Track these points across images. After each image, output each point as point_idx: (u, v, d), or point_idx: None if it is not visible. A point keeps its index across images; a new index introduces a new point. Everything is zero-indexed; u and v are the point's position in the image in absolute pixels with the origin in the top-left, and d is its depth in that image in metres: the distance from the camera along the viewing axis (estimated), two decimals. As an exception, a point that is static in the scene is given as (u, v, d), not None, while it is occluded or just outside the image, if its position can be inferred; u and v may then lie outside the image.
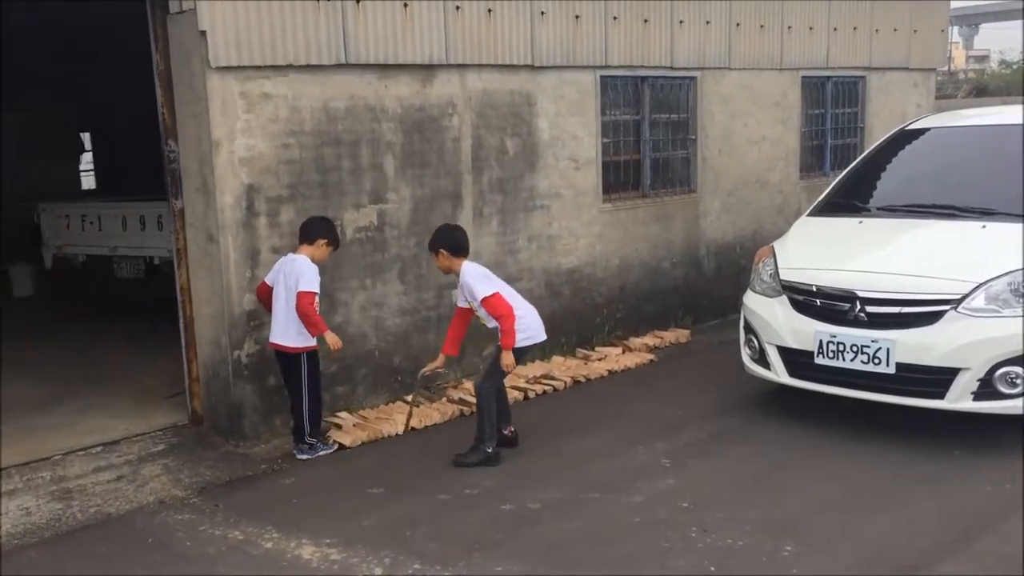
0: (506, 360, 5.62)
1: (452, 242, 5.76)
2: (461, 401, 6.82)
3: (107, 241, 9.60)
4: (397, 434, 6.30)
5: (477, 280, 5.62)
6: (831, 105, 10.64)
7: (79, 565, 4.52)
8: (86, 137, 17.93)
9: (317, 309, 5.75)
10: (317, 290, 5.73)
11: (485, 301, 5.58)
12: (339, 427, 6.31)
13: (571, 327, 8.22)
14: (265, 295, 5.87)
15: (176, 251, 6.42)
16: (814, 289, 5.97)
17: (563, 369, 7.67)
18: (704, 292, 9.46)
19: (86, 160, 18.45)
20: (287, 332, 5.75)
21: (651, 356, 8.13)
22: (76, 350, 8.81)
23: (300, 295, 5.65)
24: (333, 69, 6.39)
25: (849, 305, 5.75)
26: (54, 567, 4.51)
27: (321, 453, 5.93)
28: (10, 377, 7.84)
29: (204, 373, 6.40)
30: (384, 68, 6.66)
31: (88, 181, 18.43)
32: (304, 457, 5.88)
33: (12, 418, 6.74)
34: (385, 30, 6.59)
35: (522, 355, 5.85)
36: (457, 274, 5.74)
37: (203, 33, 5.74)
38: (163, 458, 5.96)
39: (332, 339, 5.78)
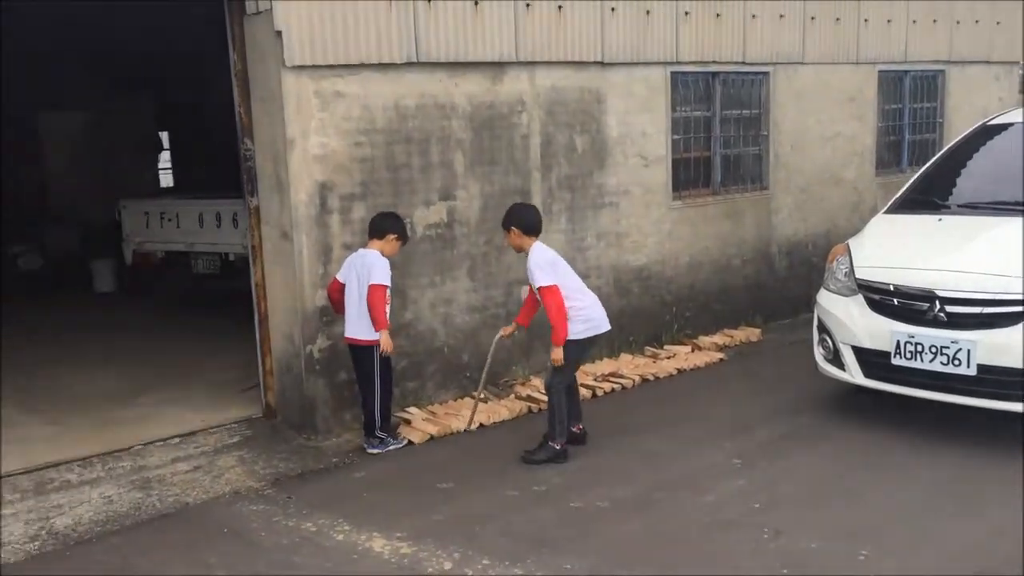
0: (554, 355, 5.63)
1: (524, 220, 5.77)
2: (529, 398, 6.83)
3: (184, 237, 9.84)
4: (466, 430, 6.33)
5: (539, 266, 5.62)
6: (909, 100, 10.38)
7: (159, 553, 4.64)
8: (163, 136, 18.39)
9: (388, 302, 5.81)
10: (388, 283, 5.81)
11: (540, 290, 5.60)
12: (408, 422, 6.37)
13: (640, 325, 8.17)
14: (336, 293, 5.96)
15: (251, 248, 6.55)
16: (891, 288, 5.83)
17: (631, 367, 7.62)
18: (775, 291, 9.31)
19: (164, 158, 18.92)
20: (359, 326, 5.84)
21: (721, 355, 8.03)
22: (155, 344, 9.05)
23: (371, 288, 5.74)
24: (404, 68, 6.45)
25: (928, 305, 5.60)
26: (136, 554, 4.64)
27: (391, 448, 5.99)
28: (93, 370, 8.11)
29: (277, 367, 6.52)
30: (454, 66, 6.70)
31: (163, 179, 18.87)
32: (374, 451, 5.95)
33: (95, 409, 6.95)
34: (456, 28, 6.63)
35: (585, 348, 5.80)
36: (526, 253, 5.74)
37: (279, 33, 5.84)
38: (238, 450, 6.09)
39: (385, 340, 5.83)
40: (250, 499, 5.30)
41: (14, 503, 5.30)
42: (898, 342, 5.67)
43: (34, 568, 4.55)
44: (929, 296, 5.61)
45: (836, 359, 6.17)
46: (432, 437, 6.18)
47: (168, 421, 6.60)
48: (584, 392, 6.88)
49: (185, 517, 5.10)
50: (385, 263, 5.84)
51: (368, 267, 5.79)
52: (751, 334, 8.65)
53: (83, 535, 4.89)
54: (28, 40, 12.46)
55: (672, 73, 8.15)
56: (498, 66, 6.95)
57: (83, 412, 6.88)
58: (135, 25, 11.96)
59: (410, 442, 6.09)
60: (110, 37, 12.76)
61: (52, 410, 6.96)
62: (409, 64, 6.45)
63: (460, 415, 6.48)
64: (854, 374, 6.04)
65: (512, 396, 6.93)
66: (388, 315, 5.91)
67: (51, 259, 12.37)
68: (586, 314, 5.69)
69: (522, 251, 5.80)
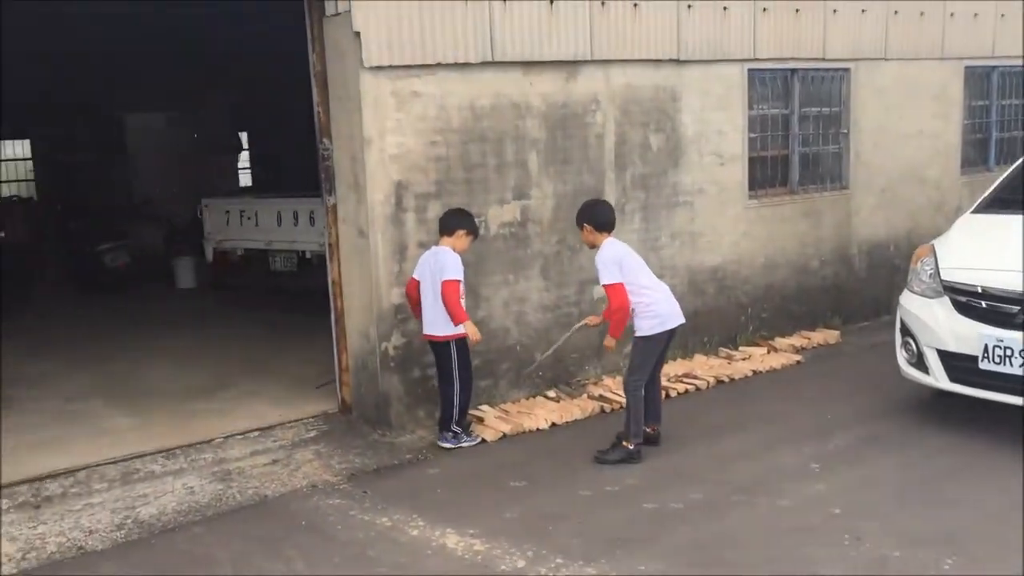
0: (607, 342, 5.70)
1: (595, 217, 5.77)
2: (601, 398, 6.80)
3: (263, 235, 10.05)
4: (539, 428, 6.33)
5: (604, 264, 5.60)
6: (997, 96, 10.05)
7: (239, 544, 4.74)
8: (242, 136, 18.81)
9: (462, 297, 5.85)
10: (461, 278, 5.85)
11: (604, 287, 5.60)
12: (481, 420, 6.40)
13: (714, 326, 8.07)
14: (414, 291, 6.02)
15: (328, 246, 6.65)
16: (979, 290, 5.66)
17: (706, 368, 7.53)
18: (854, 292, 9.11)
19: (243, 158, 19.34)
20: (435, 322, 5.89)
21: (798, 357, 7.89)
22: (234, 340, 9.25)
23: (444, 284, 5.79)
24: (479, 67, 6.47)
25: (1018, 308, 5.42)
26: (217, 544, 4.75)
27: (464, 444, 6.02)
28: (175, 364, 8.32)
29: (353, 364, 6.61)
30: (529, 65, 6.71)
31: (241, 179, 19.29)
32: (448, 446, 6.00)
33: (177, 402, 7.14)
34: (531, 27, 6.63)
35: (658, 344, 5.72)
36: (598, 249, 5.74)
37: (357, 34, 5.92)
38: (314, 444, 6.19)
39: (471, 329, 5.88)
40: (326, 493, 5.38)
41: (101, 492, 5.48)
42: (986, 346, 5.50)
43: (120, 556, 4.69)
44: (1019, 299, 5.42)
45: (920, 363, 6.01)
46: (505, 435, 6.20)
47: (247, 415, 6.74)
48: (658, 393, 6.85)
49: (264, 509, 5.20)
50: (456, 259, 5.88)
51: (440, 264, 5.84)
52: (829, 336, 8.48)
53: (167, 524, 5.03)
54: (114, 42, 12.87)
55: (749, 70, 8.03)
56: (572, 65, 6.93)
57: (166, 405, 7.08)
58: (217, 27, 12.25)
59: (483, 440, 6.12)
60: (193, 39, 13.08)
61: (137, 402, 7.17)
62: (484, 63, 6.48)
63: (533, 414, 6.48)
64: (938, 378, 5.88)
65: (584, 396, 6.91)
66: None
67: (136, 256, 12.73)
68: (655, 310, 5.64)
69: (595, 247, 5.78)
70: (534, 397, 6.90)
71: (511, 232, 6.78)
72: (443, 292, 5.80)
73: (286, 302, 10.14)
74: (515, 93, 6.68)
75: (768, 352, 8.01)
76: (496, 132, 6.61)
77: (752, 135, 8.18)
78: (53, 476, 5.67)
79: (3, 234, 10.83)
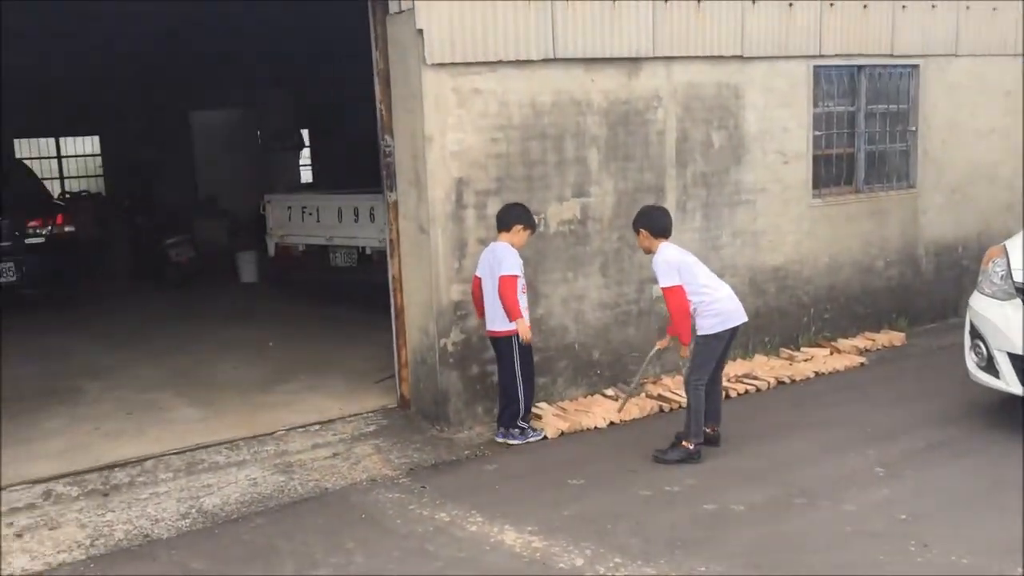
0: (682, 352, 5.67)
1: (653, 223, 5.73)
2: (660, 397, 6.75)
3: (324, 231, 10.16)
4: (597, 427, 6.31)
5: (662, 267, 5.56)
6: (1072, 93, 9.73)
7: (300, 535, 4.80)
8: (304, 133, 19.05)
9: (523, 292, 5.86)
10: (518, 273, 5.85)
11: (663, 291, 5.57)
12: (539, 417, 6.39)
13: (775, 326, 7.96)
14: (477, 289, 6.05)
15: (389, 242, 6.70)
16: (1053, 292, 5.50)
17: (766, 369, 7.44)
18: (921, 293, 8.91)
19: (305, 155, 19.59)
20: (496, 318, 5.91)
21: (861, 359, 7.74)
22: (296, 334, 9.37)
23: (501, 279, 5.81)
24: (541, 64, 6.47)
25: (1094, 311, 5.25)
26: (278, 535, 4.82)
27: (531, 439, 6.03)
28: (239, 357, 8.45)
29: (412, 359, 6.65)
30: (590, 62, 6.68)
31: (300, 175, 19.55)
32: (514, 441, 6.01)
33: (241, 394, 7.27)
34: (593, 24, 6.60)
35: (720, 343, 5.64)
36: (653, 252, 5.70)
37: (420, 31, 5.96)
38: (374, 438, 6.25)
39: (523, 328, 5.87)
40: (386, 487, 5.42)
41: (167, 481, 5.59)
42: (1060, 350, 5.34)
43: (185, 544, 4.78)
44: (1096, 302, 5.26)
45: (990, 366, 5.86)
46: (563, 433, 6.19)
47: (308, 408, 6.83)
48: (717, 393, 6.79)
49: (324, 502, 5.26)
50: (514, 254, 5.88)
51: (498, 259, 5.86)
52: (894, 338, 8.30)
53: (230, 515, 5.12)
54: (180, 41, 13.14)
55: (815, 67, 7.90)
56: (634, 61, 6.89)
57: (230, 397, 7.20)
58: (280, 25, 12.44)
59: (546, 436, 6.12)
60: (257, 37, 13.29)
61: (202, 394, 7.30)
62: (546, 60, 6.47)
63: (591, 412, 6.46)
64: (1009, 382, 5.72)
65: (643, 395, 6.86)
66: (525, 308, 5.96)
67: (200, 251, 12.98)
68: (717, 308, 5.58)
69: (650, 253, 5.75)
70: (592, 395, 6.88)
71: (570, 229, 6.77)
72: (500, 288, 5.82)
73: (346, 297, 10.24)
74: (576, 90, 6.66)
75: (831, 353, 7.88)
76: (557, 129, 6.60)
77: (817, 133, 8.05)
78: (121, 465, 5.81)
79: (74, 228, 11.09)
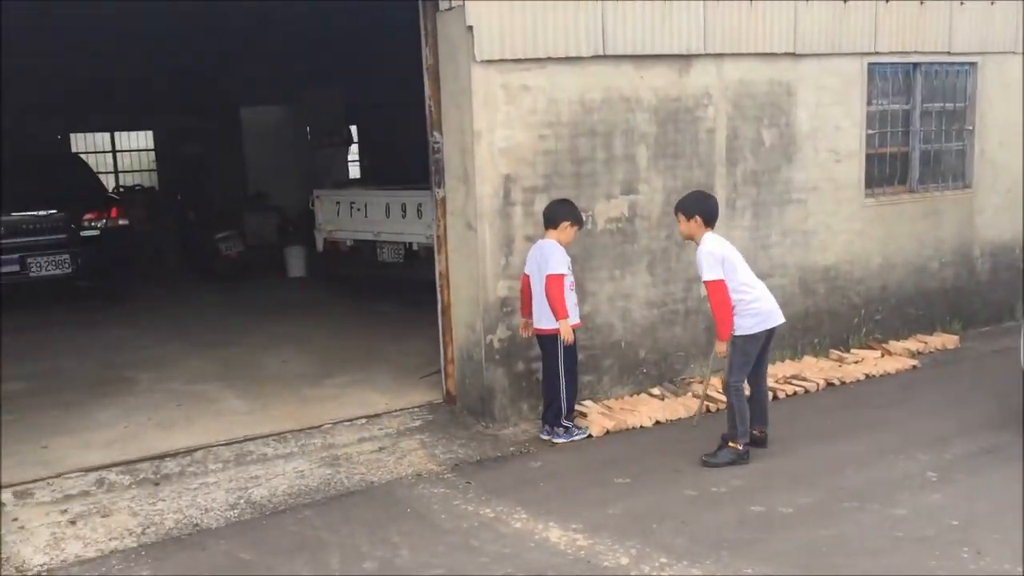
0: (718, 348, 5.56)
1: (708, 210, 5.61)
2: (707, 396, 6.69)
3: (372, 227, 10.22)
4: (642, 426, 6.28)
5: (707, 259, 5.45)
6: None
7: (346, 527, 4.85)
8: (351, 129, 19.20)
9: (568, 290, 5.85)
10: (565, 271, 5.83)
11: (705, 284, 5.47)
12: (584, 415, 6.37)
13: (825, 327, 7.85)
14: (526, 287, 6.04)
15: (436, 238, 6.73)
16: (1115, 296, 5.34)
17: (815, 370, 7.34)
18: (976, 295, 8.73)
19: (353, 150, 19.75)
20: (542, 315, 5.91)
21: (913, 362, 7.61)
22: (343, 328, 9.45)
23: (548, 279, 5.80)
24: (590, 61, 6.45)
25: None
26: (324, 527, 4.86)
27: (576, 437, 6.02)
28: (288, 351, 8.54)
29: (458, 355, 6.67)
30: (640, 59, 6.64)
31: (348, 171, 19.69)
32: (559, 440, 6.00)
33: (288, 387, 7.34)
34: (643, 21, 6.57)
35: (758, 343, 5.57)
36: (696, 242, 5.60)
37: (470, 28, 5.97)
38: (419, 433, 6.28)
39: (565, 329, 5.85)
40: (431, 482, 5.45)
41: (216, 472, 5.67)
42: (1122, 355, 5.19)
43: (233, 534, 4.85)
44: None
45: (1047, 371, 5.72)
46: (608, 431, 6.17)
47: (354, 402, 6.88)
48: (765, 394, 6.72)
49: (370, 495, 5.30)
50: (561, 252, 5.86)
51: (545, 257, 5.85)
52: (947, 341, 8.15)
53: (277, 506, 5.18)
54: (231, 37, 13.31)
55: (869, 64, 7.78)
56: (685, 58, 6.84)
57: (278, 390, 7.28)
58: (329, 22, 12.53)
59: (590, 435, 6.10)
60: (307, 34, 13.42)
61: (251, 387, 7.39)
62: (595, 57, 6.44)
63: (637, 411, 6.43)
64: (1068, 388, 5.59)
65: (689, 394, 6.81)
66: (574, 304, 5.95)
67: (249, 245, 13.15)
68: (756, 307, 5.51)
69: (691, 240, 5.66)
70: (638, 394, 6.85)
71: (618, 227, 6.74)
72: (546, 287, 5.81)
73: (393, 292, 10.31)
74: (626, 87, 6.62)
75: (882, 355, 7.75)
76: (606, 126, 6.57)
77: (870, 131, 7.92)
78: (172, 455, 5.91)
79: (127, 222, 11.29)
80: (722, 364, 5.80)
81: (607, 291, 6.73)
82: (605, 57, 6.48)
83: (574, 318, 5.96)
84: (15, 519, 5.06)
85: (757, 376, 5.72)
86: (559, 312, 5.82)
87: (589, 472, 5.53)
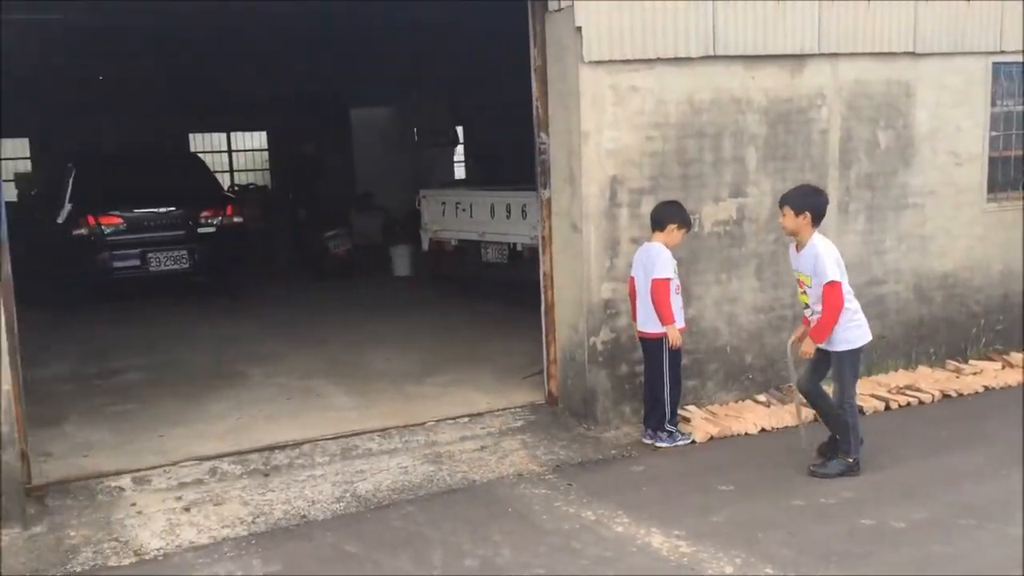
0: (807, 348, 5.40)
1: (819, 207, 5.41)
2: (800, 405, 6.51)
3: (477, 227, 10.32)
4: (747, 433, 6.16)
5: (828, 260, 5.25)
6: None
7: (448, 524, 4.90)
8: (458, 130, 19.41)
9: (675, 293, 5.79)
10: (671, 276, 5.77)
11: (828, 284, 5.23)
12: (687, 420, 6.29)
13: (941, 336, 7.56)
14: (634, 289, 6.01)
15: (541, 238, 6.74)
16: None
17: (930, 381, 7.07)
18: (1107, 306, 8.26)
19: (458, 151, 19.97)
20: (647, 319, 5.86)
21: (1037, 374, 7.26)
22: (447, 327, 9.55)
23: (654, 283, 5.74)
24: (700, 61, 6.37)
25: None
26: (427, 523, 4.92)
27: (679, 442, 5.95)
28: (393, 348, 8.67)
29: (561, 356, 6.67)
30: (751, 59, 6.52)
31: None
32: (662, 444, 5.95)
33: (394, 385, 7.46)
34: (755, 21, 6.45)
35: (861, 354, 5.45)
36: (799, 240, 5.41)
37: (578, 29, 5.96)
38: (521, 434, 6.30)
39: (673, 335, 5.79)
40: (532, 482, 5.46)
41: (323, 465, 5.80)
42: None
43: (339, 526, 4.95)
44: None
45: None
46: (712, 437, 6.07)
47: (457, 400, 6.95)
48: (875, 404, 6.54)
49: (472, 494, 5.35)
50: (667, 255, 5.79)
51: (652, 260, 5.80)
52: (1075, 353, 7.75)
53: (381, 501, 5.27)
54: (341, 39, 13.64)
55: (994, 64, 7.45)
56: (797, 58, 6.68)
57: (383, 387, 7.41)
58: (437, 23, 12.70)
59: (694, 440, 6.02)
60: (414, 35, 13.63)
61: (357, 383, 7.54)
62: (705, 58, 6.36)
63: (742, 417, 6.31)
64: None
65: (796, 401, 6.63)
66: (679, 308, 5.89)
67: (356, 244, 13.41)
68: (859, 319, 5.39)
69: (794, 236, 5.45)
70: (743, 400, 6.72)
71: (725, 230, 6.63)
72: (652, 291, 5.76)
73: (497, 293, 10.37)
74: (736, 87, 6.51)
75: (1003, 368, 7.41)
76: (714, 127, 6.48)
77: (994, 133, 7.59)
78: (281, 447, 6.07)
79: (242, 219, 11.67)
80: (802, 365, 5.61)
81: (713, 295, 6.63)
82: (715, 58, 6.38)
83: (679, 322, 5.89)
84: (133, 504, 5.28)
85: (819, 384, 5.55)
86: (665, 317, 5.76)
87: (692, 478, 5.45)
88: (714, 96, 6.45)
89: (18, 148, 17.66)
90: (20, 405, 5.22)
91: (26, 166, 17.78)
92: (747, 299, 6.77)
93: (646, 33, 6.13)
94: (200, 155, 16.06)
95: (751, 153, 6.64)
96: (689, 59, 6.31)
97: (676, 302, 5.85)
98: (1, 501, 4.95)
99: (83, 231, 10.66)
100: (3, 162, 16.89)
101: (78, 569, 4.58)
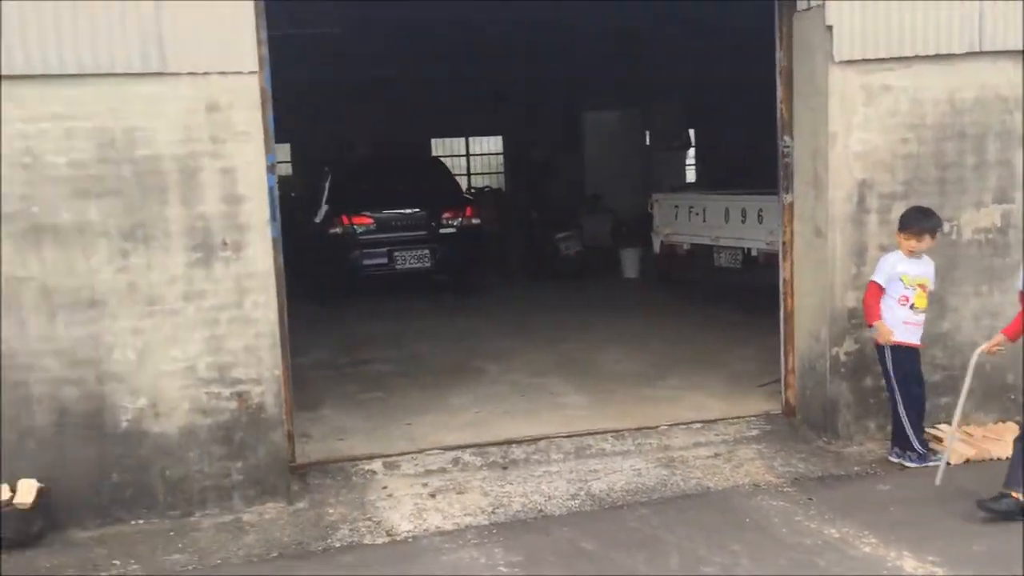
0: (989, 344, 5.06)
1: None
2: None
3: (710, 231, 10.19)
4: (1008, 457, 5.70)
5: None
6: None
7: (683, 530, 4.88)
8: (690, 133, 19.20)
9: (897, 305, 5.60)
10: (879, 280, 5.63)
11: None
12: (939, 440, 5.91)
13: None
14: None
15: (782, 244, 6.56)
16: None
17: None
18: None
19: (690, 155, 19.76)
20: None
21: None
22: (678, 330, 9.48)
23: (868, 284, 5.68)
24: (962, 57, 5.99)
25: None
26: (662, 527, 4.93)
27: (931, 463, 5.57)
28: (624, 350, 8.70)
29: (800, 366, 6.46)
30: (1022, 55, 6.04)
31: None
32: (911, 465, 5.65)
33: (625, 386, 7.50)
34: (1028, 11, 5.98)
35: None
36: None
37: (829, 28, 5.77)
38: (756, 443, 6.17)
39: (881, 329, 5.59)
40: (769, 494, 5.34)
41: (558, 462, 5.94)
42: None
43: (575, 523, 5.06)
44: None
45: None
46: (968, 460, 5.68)
47: (689, 405, 6.90)
48: None
49: (706, 501, 5.30)
50: (887, 262, 5.66)
51: (878, 265, 5.75)
52: None
53: (615, 501, 5.33)
54: (574, 44, 13.87)
55: None
56: (1077, 51, 6.12)
57: (615, 387, 7.46)
58: (670, 26, 12.65)
59: (948, 463, 5.65)
60: (648, 39, 13.65)
61: (588, 383, 7.64)
62: (969, 54, 5.97)
63: (1002, 440, 5.86)
64: None
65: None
66: (905, 322, 5.63)
67: (586, 246, 13.58)
68: None
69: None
70: (1004, 422, 6.23)
71: (987, 238, 6.19)
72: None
73: (729, 298, 10.19)
74: (1003, 85, 6.07)
75: None
76: (978, 128, 6.07)
77: None
78: (518, 442, 6.26)
79: (479, 221, 12.11)
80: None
81: (972, 307, 6.21)
82: (981, 53, 5.97)
83: (904, 335, 5.62)
84: (384, 487, 5.64)
85: None
86: (870, 316, 5.63)
87: (945, 502, 5.12)
88: (978, 94, 6.04)
89: (280, 153, 19.20)
90: (288, 390, 5.70)
91: (287, 170, 19.30)
92: (1009, 314, 6.23)
93: (904, 30, 5.84)
94: (441, 159, 16.81)
95: (1019, 156, 6.15)
96: (950, 56, 5.95)
97: (899, 314, 5.62)
98: (269, 477, 5.44)
99: (338, 230, 11.43)
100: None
101: (337, 544, 4.95)
